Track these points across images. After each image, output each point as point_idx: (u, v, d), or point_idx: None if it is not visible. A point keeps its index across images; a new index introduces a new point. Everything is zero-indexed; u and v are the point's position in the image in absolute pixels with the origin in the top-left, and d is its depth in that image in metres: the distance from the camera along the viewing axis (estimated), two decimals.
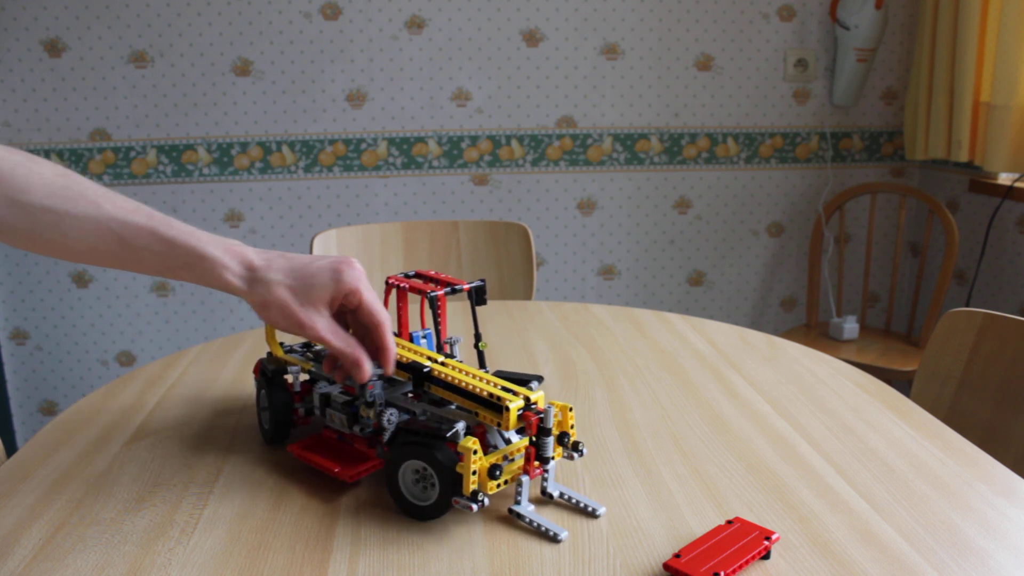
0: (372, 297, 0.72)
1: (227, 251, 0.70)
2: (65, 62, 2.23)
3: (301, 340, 0.99)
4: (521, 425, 0.67)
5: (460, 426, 0.68)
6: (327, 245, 1.61)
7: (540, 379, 0.72)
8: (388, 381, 0.77)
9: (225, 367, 1.05)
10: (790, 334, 2.29)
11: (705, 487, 0.74)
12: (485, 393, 0.68)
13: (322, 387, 0.78)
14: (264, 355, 1.07)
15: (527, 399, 0.67)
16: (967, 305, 2.27)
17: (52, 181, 0.68)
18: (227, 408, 0.92)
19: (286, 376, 0.81)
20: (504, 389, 0.68)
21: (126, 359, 2.44)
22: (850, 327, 2.21)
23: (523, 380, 0.74)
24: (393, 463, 0.69)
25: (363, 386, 0.73)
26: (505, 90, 2.36)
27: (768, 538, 0.63)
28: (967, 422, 1.05)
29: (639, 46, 2.37)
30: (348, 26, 2.28)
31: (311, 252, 1.59)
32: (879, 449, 0.81)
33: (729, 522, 0.66)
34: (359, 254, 1.66)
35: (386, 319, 0.72)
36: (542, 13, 2.32)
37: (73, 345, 2.41)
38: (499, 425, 0.67)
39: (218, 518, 0.69)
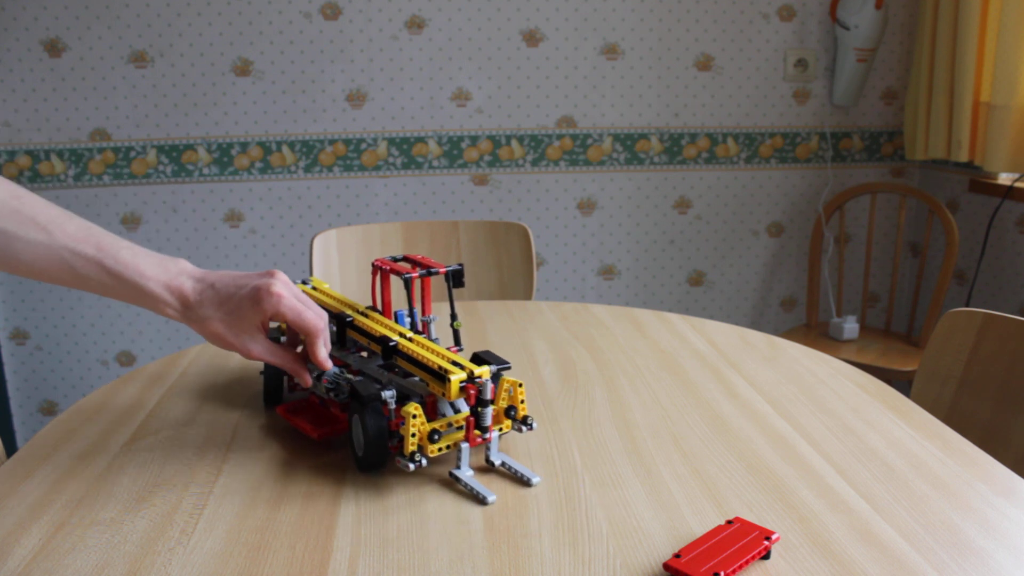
0: (295, 314, 0.77)
1: (167, 287, 0.76)
2: (65, 62, 2.23)
3: None
4: (461, 396, 0.73)
5: (388, 393, 0.74)
6: (327, 245, 1.61)
7: (507, 366, 0.77)
8: (370, 354, 0.85)
9: (225, 367, 1.05)
10: (790, 334, 2.29)
11: (705, 487, 0.74)
12: (435, 365, 0.74)
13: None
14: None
15: (471, 373, 0.73)
16: (967, 305, 2.27)
17: (5, 202, 0.72)
18: (227, 407, 0.92)
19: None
20: (453, 363, 0.74)
21: (126, 359, 2.44)
22: (850, 327, 2.21)
23: (489, 362, 0.79)
24: (348, 417, 0.78)
25: (320, 374, 0.82)
26: (505, 90, 2.36)
27: (768, 538, 0.63)
28: (967, 422, 1.05)
29: (639, 46, 2.37)
30: (348, 26, 2.28)
31: (311, 252, 1.59)
32: (879, 449, 0.81)
33: (729, 522, 0.66)
34: (359, 254, 1.66)
35: (315, 327, 0.78)
36: (542, 13, 2.32)
37: (73, 345, 2.41)
38: (443, 394, 0.73)
39: (218, 518, 0.69)
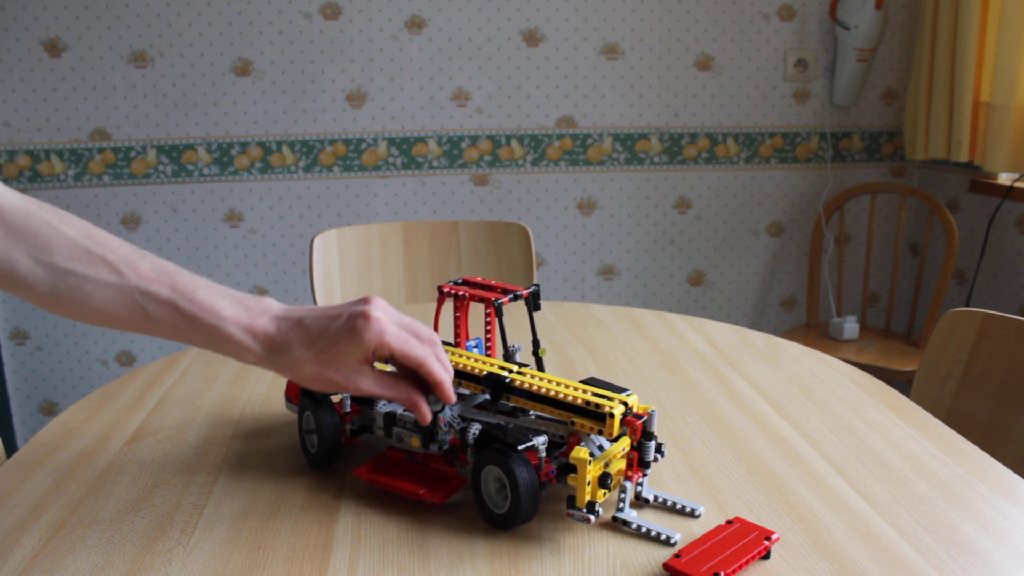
0: (400, 343, 0.66)
1: (248, 331, 0.67)
2: (65, 62, 2.23)
3: None
4: (621, 431, 0.65)
5: (540, 439, 0.66)
6: (327, 245, 1.61)
7: (629, 392, 0.70)
8: (457, 396, 0.75)
9: (225, 367, 1.05)
10: (790, 334, 2.29)
11: (705, 487, 0.74)
12: (581, 401, 0.66)
13: (383, 405, 0.75)
14: None
15: (625, 404, 0.66)
16: (967, 305, 2.27)
17: (77, 243, 0.67)
18: (227, 408, 0.92)
19: (333, 396, 0.78)
20: (596, 395, 0.66)
21: (126, 359, 2.44)
22: (850, 327, 2.21)
23: (612, 390, 0.72)
24: (476, 468, 0.68)
25: (436, 416, 0.71)
26: (505, 90, 2.36)
27: (768, 538, 0.63)
28: (967, 422, 1.05)
29: (639, 46, 2.37)
30: (348, 26, 2.28)
31: (311, 252, 1.59)
32: (879, 449, 0.81)
33: (729, 522, 0.66)
34: (359, 254, 1.66)
35: (426, 355, 0.68)
36: (542, 13, 2.32)
37: (73, 345, 2.41)
38: (601, 432, 0.65)
39: (218, 518, 0.69)
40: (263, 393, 0.97)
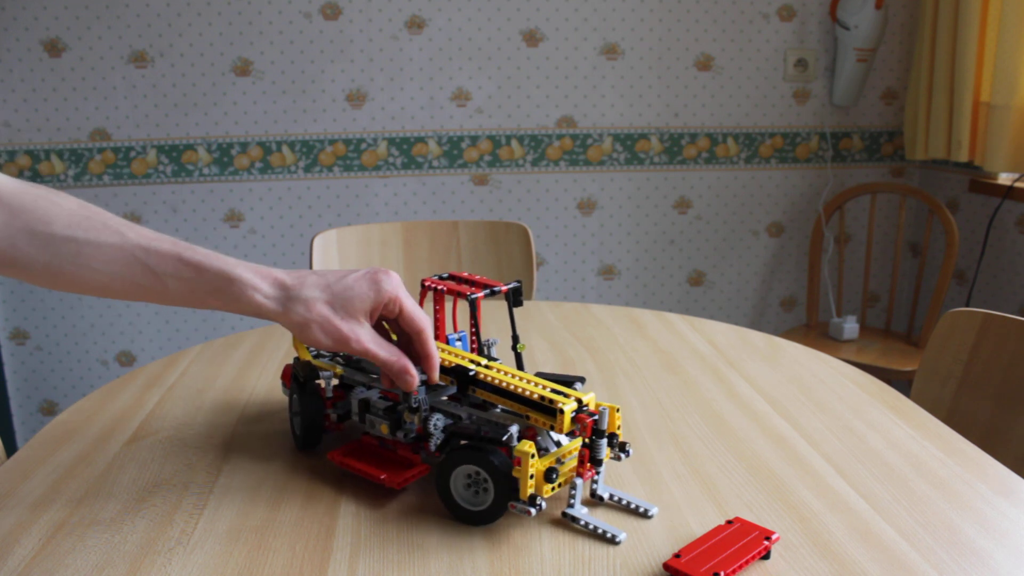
0: (412, 304, 0.70)
1: (256, 272, 0.68)
2: (65, 62, 2.23)
3: None
4: (573, 428, 0.66)
5: (514, 430, 0.67)
6: (327, 245, 1.61)
7: (582, 380, 0.71)
8: (429, 386, 0.75)
9: (225, 367, 1.05)
10: (790, 334, 2.29)
11: (705, 487, 0.74)
12: (536, 396, 0.67)
13: (360, 392, 0.76)
14: (292, 360, 1.07)
15: (579, 401, 0.66)
16: (967, 305, 2.27)
17: (75, 211, 0.67)
18: (227, 408, 0.92)
19: (318, 381, 0.80)
20: (554, 391, 0.67)
21: (126, 359, 2.44)
22: (850, 327, 2.21)
23: (566, 382, 0.73)
24: (446, 468, 0.68)
25: (407, 392, 0.72)
26: (505, 90, 2.36)
27: (768, 538, 0.63)
28: (967, 422, 1.05)
29: (639, 46, 2.37)
30: (348, 26, 2.28)
31: (311, 252, 1.59)
32: (879, 449, 0.81)
33: (729, 522, 0.66)
34: (359, 254, 1.66)
35: (428, 325, 0.71)
36: (542, 13, 2.32)
37: (73, 345, 2.41)
38: (552, 428, 0.66)
39: (218, 518, 0.69)
40: (263, 392, 0.97)
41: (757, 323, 2.59)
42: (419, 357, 0.72)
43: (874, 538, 0.66)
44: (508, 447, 0.66)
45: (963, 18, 2.07)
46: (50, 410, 2.46)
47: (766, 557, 0.63)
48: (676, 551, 0.63)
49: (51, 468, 0.78)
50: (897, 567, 0.62)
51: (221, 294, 0.67)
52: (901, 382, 2.05)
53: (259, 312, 0.68)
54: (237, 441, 0.84)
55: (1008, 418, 1.01)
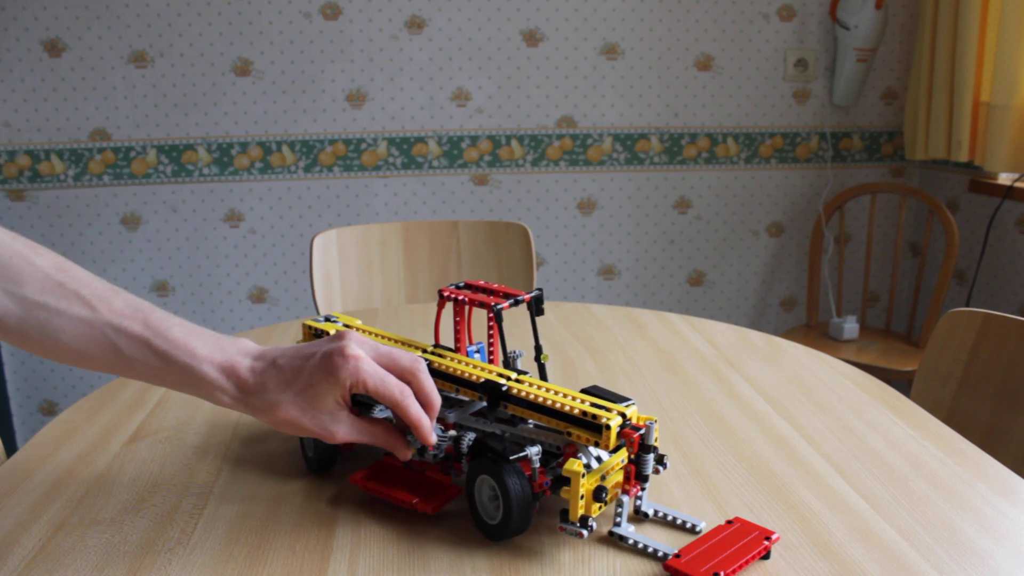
0: (377, 379, 0.64)
1: (222, 370, 0.65)
2: (65, 62, 2.23)
3: None
4: (620, 443, 0.63)
5: (534, 450, 0.64)
6: (327, 245, 1.61)
7: (631, 402, 0.67)
8: (454, 402, 0.73)
9: None
10: (790, 334, 2.29)
11: (705, 487, 0.74)
12: (578, 412, 0.63)
13: (380, 411, 0.74)
14: None
15: (623, 415, 0.63)
16: (967, 305, 2.27)
17: (48, 275, 0.64)
18: (227, 408, 0.92)
19: None
20: (594, 405, 0.64)
21: None
22: (850, 327, 2.21)
23: (612, 399, 0.69)
24: (470, 476, 0.66)
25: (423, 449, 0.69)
26: (505, 90, 2.36)
27: (768, 538, 0.63)
28: (967, 422, 1.05)
29: (639, 46, 2.37)
30: (348, 26, 2.28)
31: (311, 252, 1.59)
32: (879, 449, 0.81)
33: (729, 522, 0.66)
34: (359, 254, 1.66)
35: (402, 397, 0.65)
36: (542, 13, 2.32)
37: None
38: (597, 444, 0.63)
39: (218, 518, 0.69)
40: None
41: (757, 323, 2.60)
42: (407, 426, 0.68)
43: (874, 538, 0.66)
44: (530, 467, 0.64)
45: (963, 18, 2.07)
46: (50, 410, 2.46)
47: (766, 557, 0.63)
48: (676, 551, 0.62)
49: (51, 468, 0.78)
50: (897, 567, 0.62)
51: (189, 388, 0.66)
52: (901, 382, 2.05)
53: (228, 407, 0.67)
54: (237, 442, 0.84)
55: (1008, 418, 1.01)
